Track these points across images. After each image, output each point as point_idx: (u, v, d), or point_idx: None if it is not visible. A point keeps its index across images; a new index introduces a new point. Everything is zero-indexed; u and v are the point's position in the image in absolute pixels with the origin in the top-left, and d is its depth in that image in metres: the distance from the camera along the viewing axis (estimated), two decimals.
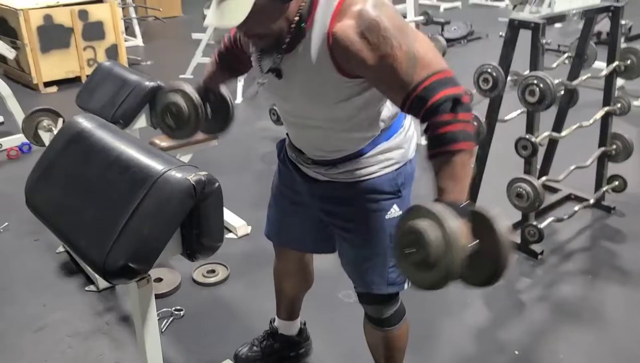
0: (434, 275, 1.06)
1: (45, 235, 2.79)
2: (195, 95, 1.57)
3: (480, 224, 1.08)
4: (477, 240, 1.07)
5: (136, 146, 1.17)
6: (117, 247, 1.05)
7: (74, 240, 1.16)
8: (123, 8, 6.80)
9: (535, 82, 2.35)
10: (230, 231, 2.88)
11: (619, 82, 4.96)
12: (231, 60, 1.64)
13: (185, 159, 2.75)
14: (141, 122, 2.36)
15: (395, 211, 1.47)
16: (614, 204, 3.05)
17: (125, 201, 1.08)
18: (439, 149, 1.15)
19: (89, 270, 2.49)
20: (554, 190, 3.21)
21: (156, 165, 1.10)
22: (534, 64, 2.42)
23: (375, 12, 1.16)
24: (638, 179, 3.33)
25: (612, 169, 3.05)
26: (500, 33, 2.58)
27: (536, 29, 2.37)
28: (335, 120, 1.36)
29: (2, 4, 5.19)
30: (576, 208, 2.81)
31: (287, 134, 1.59)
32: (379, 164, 1.44)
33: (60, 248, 2.72)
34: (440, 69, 1.17)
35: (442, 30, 6.61)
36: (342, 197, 1.47)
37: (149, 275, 1.31)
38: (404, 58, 1.16)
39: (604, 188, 3.00)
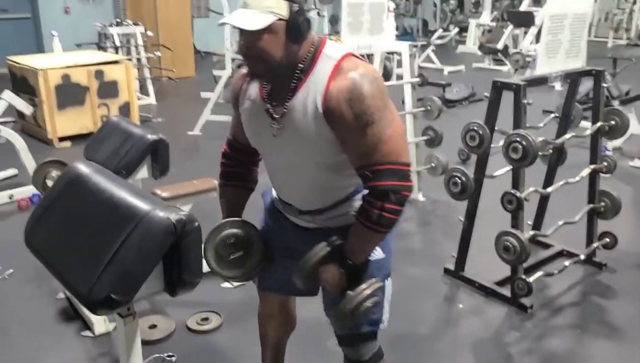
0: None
1: (47, 282, 2.88)
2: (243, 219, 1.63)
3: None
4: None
5: (126, 188, 1.28)
6: (102, 279, 1.15)
7: (64, 275, 1.25)
8: (138, 68, 7.14)
9: (518, 139, 2.46)
10: (227, 280, 2.94)
11: (617, 142, 5.11)
12: (239, 166, 1.69)
13: (185, 208, 2.86)
14: (143, 172, 2.49)
15: (378, 253, 1.57)
16: (606, 261, 3.08)
17: (113, 237, 1.18)
18: (363, 220, 1.42)
19: (86, 315, 2.56)
20: (547, 246, 3.26)
21: (143, 205, 1.20)
22: (517, 123, 2.54)
23: (365, 86, 1.33)
24: (629, 236, 3.39)
25: (604, 226, 3.11)
26: (485, 94, 2.71)
27: (517, 91, 2.51)
28: (325, 166, 1.46)
29: (24, 64, 5.50)
30: (566, 263, 2.86)
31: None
32: None
33: (61, 295, 2.80)
34: (397, 161, 1.37)
35: (444, 91, 6.84)
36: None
37: (135, 312, 1.39)
38: (372, 137, 1.35)
39: (595, 245, 3.05)
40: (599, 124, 2.89)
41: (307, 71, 1.38)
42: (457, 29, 11.40)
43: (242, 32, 1.33)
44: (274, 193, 1.71)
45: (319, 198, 1.55)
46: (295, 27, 1.32)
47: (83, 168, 1.37)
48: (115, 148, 2.43)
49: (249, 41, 1.33)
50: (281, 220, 1.68)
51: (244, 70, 1.53)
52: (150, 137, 2.42)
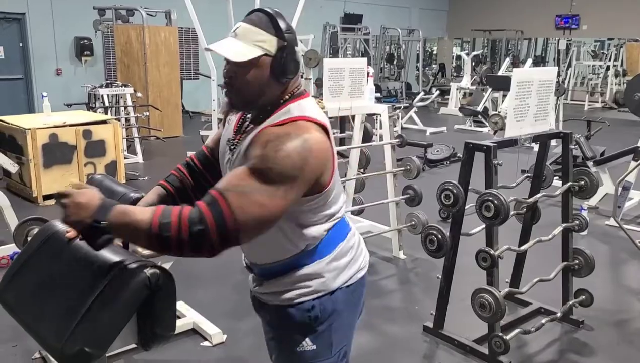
0: None
1: (23, 341, 2.84)
2: None
3: None
4: None
5: None
6: (75, 333, 1.17)
7: (37, 329, 1.28)
8: (127, 128, 7.26)
9: (490, 198, 2.55)
10: (205, 339, 2.93)
11: (593, 201, 5.24)
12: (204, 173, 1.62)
13: (167, 265, 2.87)
14: None
15: (307, 345, 1.45)
16: (583, 318, 3.12)
17: (88, 292, 1.22)
18: (160, 218, 1.20)
19: None
20: (526, 304, 3.30)
21: (117, 260, 1.25)
22: (489, 183, 2.64)
23: (292, 144, 1.23)
24: (605, 294, 3.44)
25: (581, 283, 3.16)
26: (458, 154, 2.81)
27: (488, 152, 2.62)
28: None
29: (12, 124, 5.59)
30: (543, 321, 2.89)
31: None
32: (296, 291, 1.43)
33: (37, 354, 2.76)
34: (235, 214, 1.20)
35: (426, 151, 7.01)
36: (267, 318, 1.52)
37: None
38: (251, 183, 1.22)
39: (571, 302, 3.09)
40: (568, 184, 3.00)
41: (270, 114, 1.34)
42: (438, 92, 11.78)
43: (228, 61, 1.31)
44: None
45: (262, 251, 1.44)
46: (279, 65, 1.30)
47: (60, 225, 1.42)
48: None
49: (233, 71, 1.31)
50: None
51: None
52: (133, 195, 2.45)
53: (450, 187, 2.75)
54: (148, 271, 1.21)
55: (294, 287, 1.43)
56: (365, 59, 4.19)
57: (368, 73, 4.09)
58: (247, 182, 1.22)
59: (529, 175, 3.17)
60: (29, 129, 5.31)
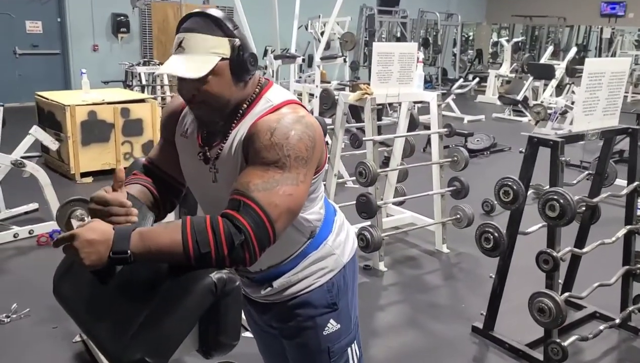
0: None
1: (64, 323, 2.81)
2: None
3: None
4: None
5: None
6: (136, 340, 1.08)
7: (94, 331, 1.18)
8: (163, 107, 7.22)
9: (555, 197, 2.39)
10: (247, 329, 2.85)
11: None
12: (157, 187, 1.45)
13: None
14: (170, 217, 2.44)
15: (332, 326, 1.43)
16: None
17: (148, 294, 1.12)
18: (192, 240, 1.12)
19: (102, 361, 2.48)
20: (578, 307, 3.14)
21: None
22: (554, 180, 2.47)
23: (298, 126, 1.20)
24: None
25: (639, 288, 2.98)
26: (520, 149, 2.65)
27: (555, 147, 2.45)
28: None
29: (52, 100, 5.58)
30: (601, 327, 2.73)
31: None
32: (313, 276, 1.40)
33: (77, 338, 2.73)
34: (269, 213, 1.15)
35: (466, 141, 6.80)
36: (281, 317, 1.46)
37: None
38: (271, 180, 1.17)
39: (630, 309, 2.92)
40: (635, 184, 2.81)
41: (246, 112, 1.27)
42: (477, 79, 11.46)
43: (184, 78, 1.21)
44: None
45: (271, 252, 1.29)
46: (239, 65, 1.22)
47: None
48: None
49: (194, 88, 1.21)
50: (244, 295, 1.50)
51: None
52: None
53: (510, 183, 2.59)
54: (214, 275, 1.11)
55: (308, 273, 1.40)
56: (415, 44, 4.03)
57: (418, 59, 3.92)
58: (267, 176, 1.17)
59: (590, 172, 2.99)
60: (68, 105, 5.29)
